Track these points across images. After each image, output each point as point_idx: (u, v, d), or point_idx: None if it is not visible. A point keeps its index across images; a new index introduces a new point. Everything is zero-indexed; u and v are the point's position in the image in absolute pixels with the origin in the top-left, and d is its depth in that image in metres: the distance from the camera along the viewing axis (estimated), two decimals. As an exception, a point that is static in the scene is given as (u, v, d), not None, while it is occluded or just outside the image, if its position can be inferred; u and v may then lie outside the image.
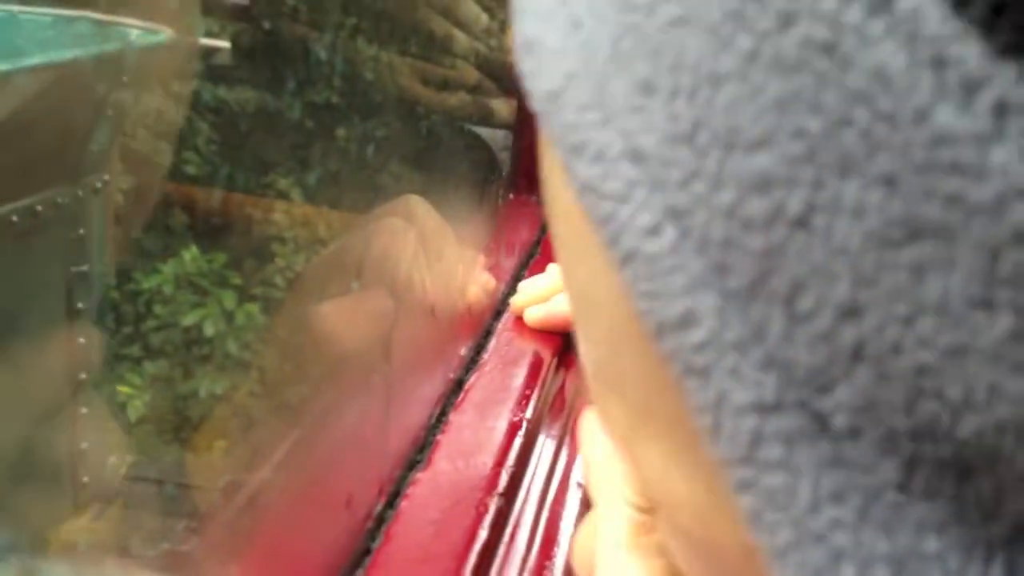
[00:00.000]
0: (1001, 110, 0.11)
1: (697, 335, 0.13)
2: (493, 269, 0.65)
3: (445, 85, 0.77)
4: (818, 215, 0.12)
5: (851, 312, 0.12)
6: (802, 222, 0.12)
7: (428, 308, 0.53)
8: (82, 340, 0.80)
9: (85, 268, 0.90)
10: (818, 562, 0.13)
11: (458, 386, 0.57)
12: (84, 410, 0.74)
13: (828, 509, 0.13)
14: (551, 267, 0.64)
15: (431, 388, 0.54)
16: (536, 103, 0.15)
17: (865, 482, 0.13)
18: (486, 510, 0.48)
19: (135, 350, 1.20)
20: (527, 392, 0.56)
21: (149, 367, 1.13)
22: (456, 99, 0.75)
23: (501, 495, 0.49)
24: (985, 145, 0.11)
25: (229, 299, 1.30)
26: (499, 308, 0.64)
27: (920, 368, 0.12)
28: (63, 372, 0.75)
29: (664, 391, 0.15)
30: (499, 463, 0.51)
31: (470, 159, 0.67)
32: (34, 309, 0.82)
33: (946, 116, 0.11)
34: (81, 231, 0.92)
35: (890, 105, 0.11)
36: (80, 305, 0.87)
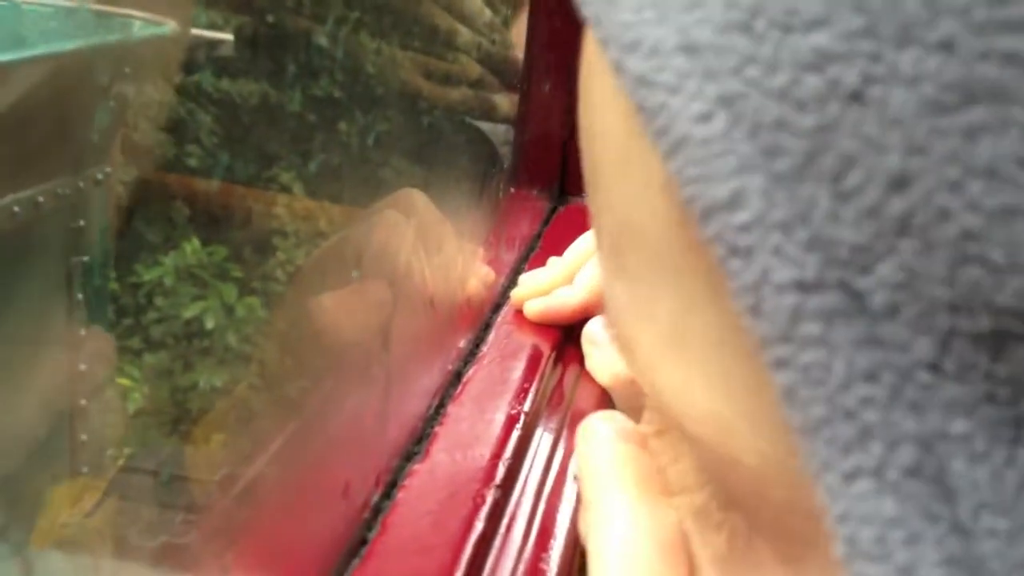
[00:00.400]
0: None
1: (743, 216, 0.14)
2: (493, 262, 0.65)
3: (447, 79, 0.77)
4: (873, 87, 0.12)
5: (900, 183, 0.13)
6: (856, 96, 0.13)
7: (427, 300, 0.53)
8: (82, 332, 0.80)
9: (85, 259, 0.90)
10: (848, 438, 0.14)
11: (456, 378, 0.57)
12: (83, 402, 0.74)
13: (860, 387, 0.14)
14: (551, 261, 0.64)
15: (429, 380, 0.54)
16: (589, 6, 0.16)
17: (898, 361, 0.13)
18: (483, 502, 0.48)
19: (135, 342, 1.20)
20: (525, 385, 0.56)
21: (149, 359, 1.13)
22: (458, 93, 0.75)
23: (498, 487, 0.49)
24: None
25: (229, 292, 1.30)
26: (498, 301, 0.64)
27: (966, 233, 0.12)
28: (62, 363, 0.75)
29: (694, 311, 0.16)
30: (496, 455, 0.51)
31: (471, 153, 0.67)
32: (34, 300, 0.82)
33: None
34: (82, 222, 0.92)
35: None
36: (80, 296, 0.87)
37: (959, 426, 0.13)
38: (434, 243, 0.54)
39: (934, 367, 0.13)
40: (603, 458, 0.26)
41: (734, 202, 0.14)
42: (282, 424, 0.42)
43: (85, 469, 0.65)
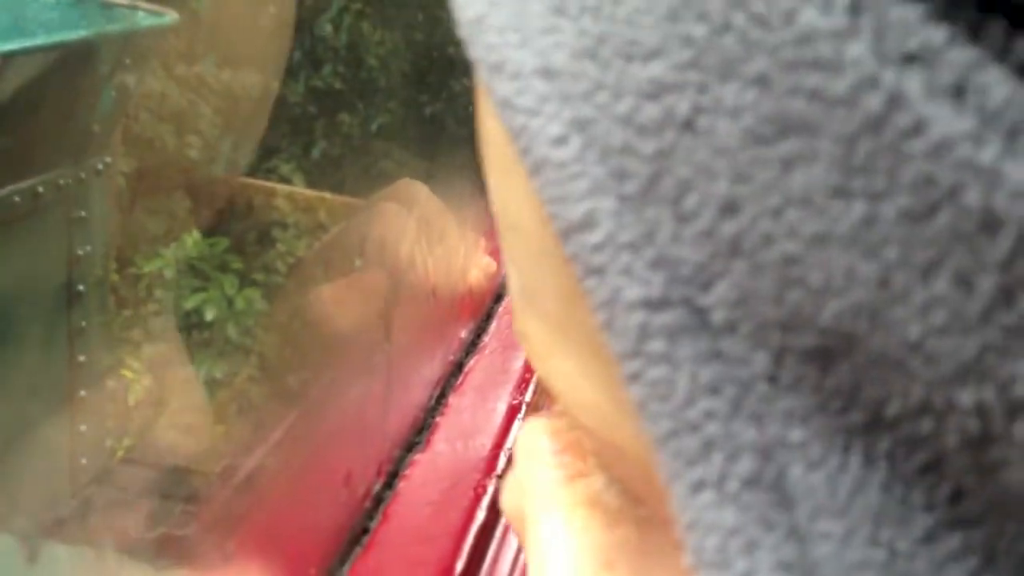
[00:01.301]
0: (855, 8, 0.12)
1: (596, 236, 0.14)
2: (494, 253, 0.65)
3: (452, 66, 0.76)
4: (702, 117, 0.13)
5: (730, 208, 0.14)
6: (689, 125, 0.13)
7: (429, 291, 0.53)
8: (83, 323, 0.80)
9: (86, 250, 0.90)
10: (692, 450, 0.14)
11: (458, 368, 0.57)
12: (83, 392, 0.74)
13: (704, 400, 0.14)
14: None
15: (431, 370, 0.54)
16: (463, 29, 0.16)
17: (738, 374, 0.14)
18: (484, 492, 0.48)
19: (135, 334, 1.19)
20: (527, 375, 0.56)
21: (149, 350, 1.13)
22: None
23: (499, 477, 0.49)
24: (842, 40, 0.12)
25: (230, 284, 1.31)
26: (500, 292, 0.64)
27: (787, 258, 0.13)
28: (62, 354, 0.75)
29: (575, 305, 0.16)
30: (498, 445, 0.51)
31: (472, 145, 0.67)
32: (35, 290, 0.82)
33: (809, 16, 0.12)
34: (83, 213, 0.92)
35: (763, 8, 0.12)
36: (80, 287, 0.87)
37: (796, 435, 0.14)
38: (436, 234, 0.54)
39: (771, 379, 0.14)
40: (543, 474, 0.26)
41: (587, 223, 0.15)
42: (283, 414, 0.42)
43: (84, 460, 0.65)
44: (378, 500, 0.47)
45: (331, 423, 0.44)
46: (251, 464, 0.39)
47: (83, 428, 0.69)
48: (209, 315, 1.29)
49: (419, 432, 0.51)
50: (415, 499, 0.47)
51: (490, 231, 0.67)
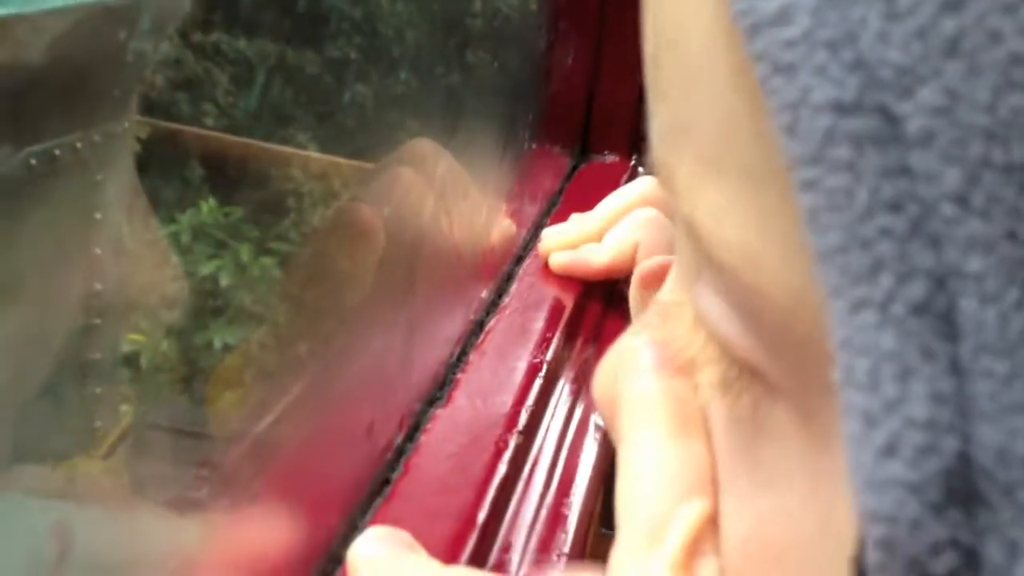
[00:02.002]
0: None
1: (791, 32, 0.14)
2: (515, 215, 0.65)
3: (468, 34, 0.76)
4: None
5: (954, 3, 0.13)
6: None
7: (451, 249, 0.53)
8: (98, 286, 0.80)
9: (103, 214, 0.90)
10: (860, 268, 0.14)
11: (479, 327, 0.57)
12: (97, 355, 0.74)
13: (881, 217, 0.14)
14: (574, 216, 0.64)
15: (452, 328, 0.54)
16: None
17: (924, 192, 0.14)
18: (505, 446, 0.48)
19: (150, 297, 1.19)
20: (547, 335, 0.56)
21: (164, 316, 1.13)
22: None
23: (520, 433, 0.49)
24: None
25: (245, 251, 1.31)
26: (520, 254, 0.64)
27: (1014, 57, 0.13)
28: (78, 318, 0.75)
29: (734, 129, 0.16)
30: (519, 402, 0.51)
31: (494, 107, 0.66)
32: (50, 254, 0.82)
33: None
34: (99, 177, 0.92)
35: None
36: (97, 251, 0.87)
37: (975, 264, 0.13)
38: (458, 192, 0.54)
39: (960, 200, 0.13)
40: (639, 391, 0.26)
41: (782, 18, 0.14)
42: (306, 366, 0.42)
43: (99, 423, 0.65)
44: (399, 452, 0.47)
45: (354, 377, 0.44)
46: (276, 417, 0.39)
47: (98, 391, 0.69)
48: (224, 280, 1.30)
49: (440, 387, 0.52)
50: (436, 452, 0.47)
51: (510, 196, 0.67)
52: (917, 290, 0.14)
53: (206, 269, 1.40)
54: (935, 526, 0.14)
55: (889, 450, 0.14)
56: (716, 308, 0.20)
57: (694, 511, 0.23)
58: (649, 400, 0.27)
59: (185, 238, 1.30)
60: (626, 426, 0.28)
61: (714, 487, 0.24)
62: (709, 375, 0.22)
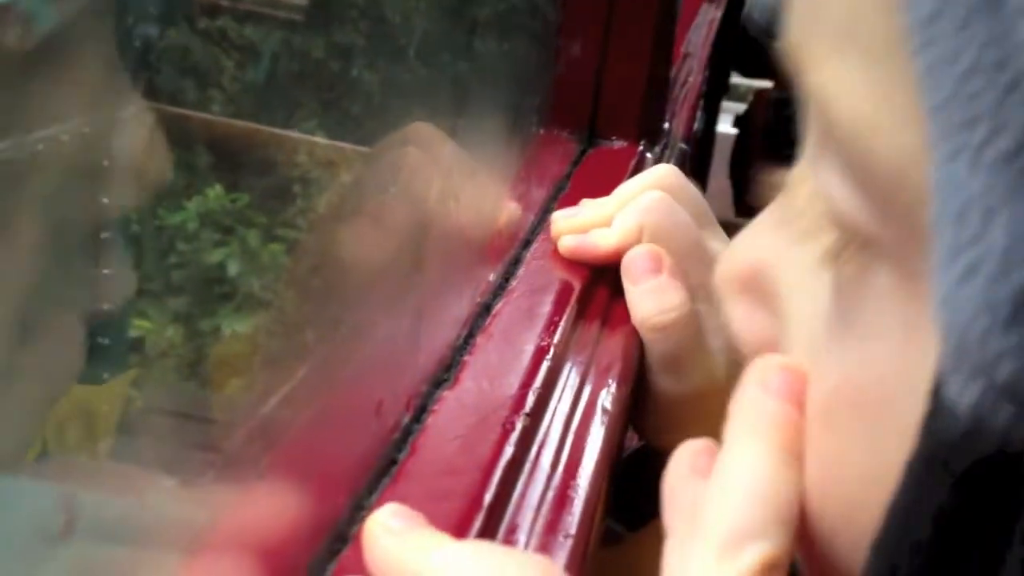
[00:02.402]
0: None
1: None
2: (523, 199, 0.65)
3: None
4: None
5: None
6: None
7: (459, 231, 0.53)
8: (106, 271, 0.80)
9: (109, 200, 0.90)
10: (960, 119, 0.16)
11: (486, 310, 0.57)
12: (105, 341, 0.74)
13: (983, 75, 0.16)
14: (584, 202, 0.63)
15: (460, 310, 0.54)
16: None
17: (1022, 58, 0.16)
18: (512, 428, 0.48)
19: (156, 285, 1.20)
20: (555, 319, 0.56)
21: (171, 302, 1.13)
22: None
23: (528, 415, 0.49)
24: None
25: (253, 236, 1.32)
26: (528, 237, 0.64)
27: None
28: (85, 302, 0.75)
29: (863, 4, 0.19)
30: (526, 384, 0.51)
31: (503, 90, 0.66)
32: (58, 238, 0.82)
33: None
34: (106, 162, 0.92)
35: None
36: (104, 236, 0.87)
37: None
38: (463, 176, 0.54)
39: None
40: (759, 405, 0.27)
41: None
42: (318, 347, 0.42)
43: (106, 407, 0.65)
44: (407, 433, 0.47)
45: (364, 358, 0.44)
46: (284, 397, 0.39)
47: (105, 376, 0.69)
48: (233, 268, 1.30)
49: (447, 369, 0.51)
50: (443, 433, 0.47)
51: (518, 180, 0.67)
52: (1007, 141, 0.16)
53: (214, 257, 1.40)
54: (1001, 338, 0.17)
55: (969, 273, 0.17)
56: (834, 179, 0.22)
57: (771, 546, 0.25)
58: (765, 417, 0.27)
59: (192, 225, 1.30)
60: (735, 432, 0.28)
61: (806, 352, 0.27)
62: (821, 244, 0.25)
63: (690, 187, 0.61)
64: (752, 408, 0.27)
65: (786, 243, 0.28)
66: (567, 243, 0.61)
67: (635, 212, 0.58)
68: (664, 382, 0.58)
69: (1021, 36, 0.16)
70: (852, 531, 0.24)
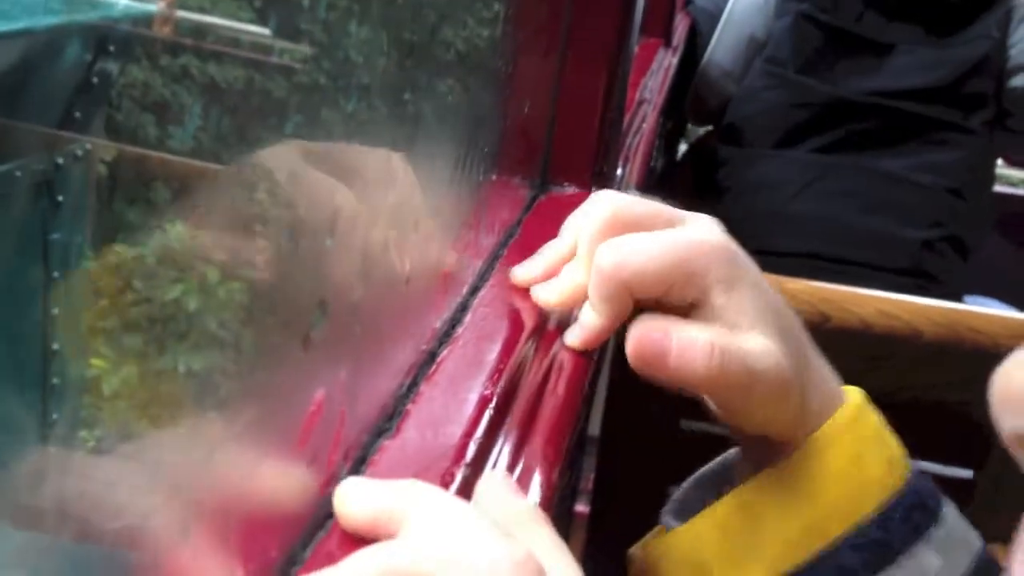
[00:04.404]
0: None
1: None
2: (472, 246, 0.65)
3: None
4: None
5: None
6: None
7: (403, 278, 0.53)
8: (56, 310, 0.79)
9: (62, 236, 0.89)
10: None
11: (431, 358, 0.56)
12: (56, 381, 0.73)
13: None
14: (543, 249, 0.63)
15: (403, 358, 0.54)
16: None
17: None
18: (452, 479, 0.47)
19: (111, 323, 1.18)
20: (500, 367, 0.56)
21: (126, 341, 1.12)
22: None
23: (468, 465, 0.49)
24: None
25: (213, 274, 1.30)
26: (476, 284, 0.64)
27: None
28: (36, 341, 0.74)
29: None
30: (467, 434, 0.51)
31: (452, 137, 0.66)
32: (8, 276, 0.81)
33: None
34: (60, 198, 0.91)
35: None
36: (55, 274, 0.87)
37: None
38: (411, 219, 0.54)
39: None
40: None
41: None
42: (244, 401, 0.41)
43: (54, 450, 0.64)
44: (344, 485, 0.46)
45: (295, 408, 0.43)
46: (208, 447, 0.39)
47: (55, 417, 0.68)
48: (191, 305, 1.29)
49: (389, 419, 0.51)
50: (382, 485, 0.47)
51: (467, 225, 0.67)
52: None
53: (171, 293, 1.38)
54: None
55: None
56: None
57: None
58: None
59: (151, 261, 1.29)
60: None
61: None
62: None
63: (635, 204, 0.58)
64: None
65: None
66: (545, 293, 0.61)
67: (582, 270, 0.58)
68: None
69: None
70: None
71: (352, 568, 0.39)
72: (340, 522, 0.43)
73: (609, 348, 0.86)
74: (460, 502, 0.44)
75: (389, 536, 0.41)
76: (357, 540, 0.43)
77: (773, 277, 1.02)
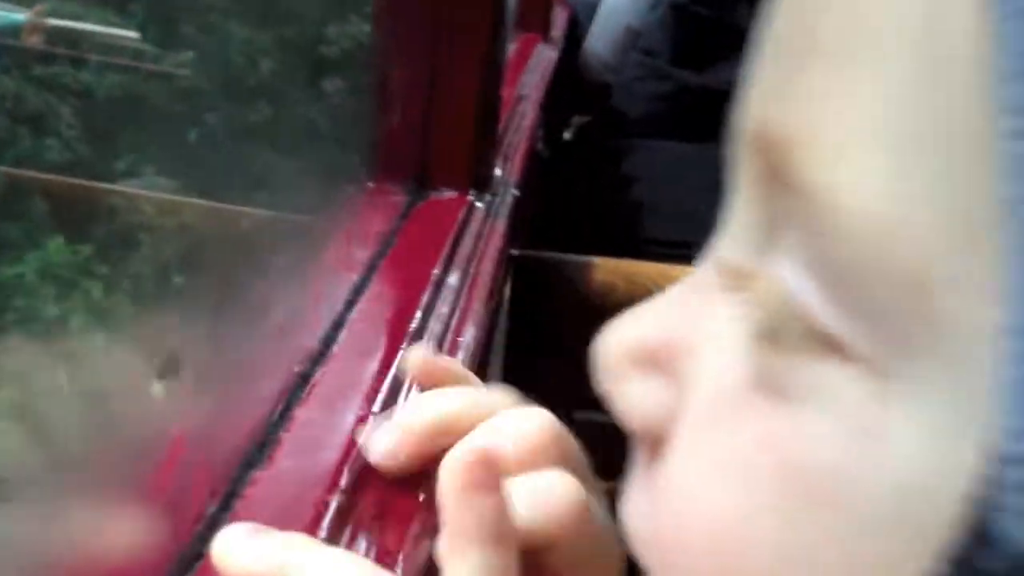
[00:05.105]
0: None
1: None
2: (345, 260, 0.63)
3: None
4: None
5: None
6: None
7: (265, 302, 0.51)
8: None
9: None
10: None
11: (304, 380, 0.55)
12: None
13: None
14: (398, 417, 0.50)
15: (273, 383, 0.52)
16: None
17: None
18: (326, 509, 0.46)
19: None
20: (376, 385, 0.55)
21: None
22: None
23: (343, 492, 0.47)
24: None
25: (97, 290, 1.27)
26: (351, 298, 0.63)
27: None
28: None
29: (907, 95, 0.18)
30: (343, 459, 0.49)
31: (320, 147, 0.65)
32: None
33: None
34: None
35: None
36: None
37: None
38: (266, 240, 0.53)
39: None
40: (463, 508, 0.26)
41: None
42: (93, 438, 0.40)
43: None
44: (213, 522, 0.45)
45: (155, 447, 0.42)
46: (60, 484, 0.37)
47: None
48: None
49: (260, 448, 0.50)
50: (254, 518, 0.45)
51: (339, 237, 0.66)
52: None
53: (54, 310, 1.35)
54: None
55: None
56: (796, 276, 0.21)
57: None
58: (476, 518, 0.26)
59: (32, 279, 1.25)
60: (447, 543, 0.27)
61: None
62: (756, 320, 0.23)
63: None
64: (453, 511, 0.27)
65: (701, 314, 0.25)
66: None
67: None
68: None
69: None
70: None
71: None
72: None
73: (500, 347, 0.85)
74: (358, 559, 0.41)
75: None
76: (228, 579, 0.42)
77: (653, 266, 1.02)
